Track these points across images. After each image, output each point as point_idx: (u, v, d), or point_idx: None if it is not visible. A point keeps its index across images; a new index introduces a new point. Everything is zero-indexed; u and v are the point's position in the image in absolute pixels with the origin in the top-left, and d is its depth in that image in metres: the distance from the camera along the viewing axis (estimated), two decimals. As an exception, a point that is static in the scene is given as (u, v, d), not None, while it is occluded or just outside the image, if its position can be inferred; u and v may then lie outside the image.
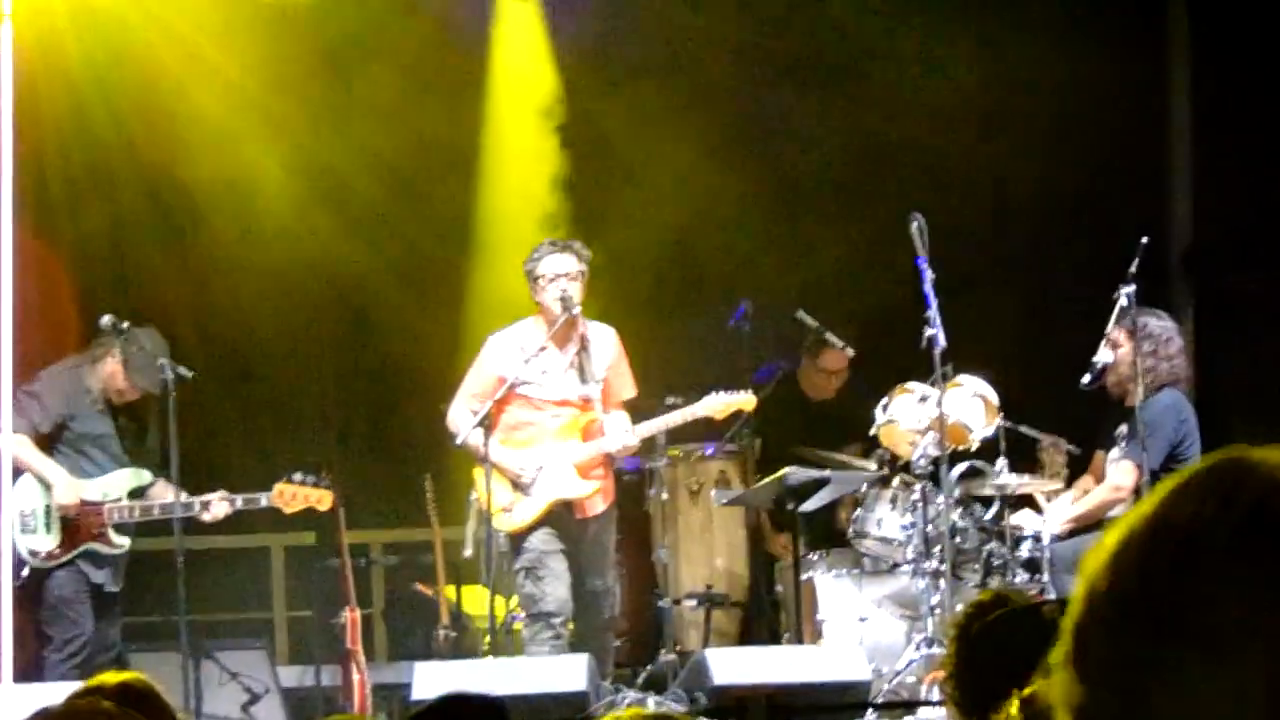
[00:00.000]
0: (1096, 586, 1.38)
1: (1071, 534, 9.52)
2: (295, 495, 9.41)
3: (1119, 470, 9.36)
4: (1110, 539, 1.40)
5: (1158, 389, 9.32)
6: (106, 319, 9.25)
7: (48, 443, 9.35)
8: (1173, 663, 1.33)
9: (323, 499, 9.46)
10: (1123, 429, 9.34)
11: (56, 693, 4.66)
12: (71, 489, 9.27)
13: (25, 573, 9.23)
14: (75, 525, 9.31)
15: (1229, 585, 1.33)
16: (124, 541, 9.41)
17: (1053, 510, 9.52)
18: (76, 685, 4.61)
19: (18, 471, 9.31)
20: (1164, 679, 1.33)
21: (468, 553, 9.83)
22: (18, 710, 4.73)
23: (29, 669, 9.19)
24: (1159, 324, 9.38)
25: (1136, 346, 9.19)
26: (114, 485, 9.41)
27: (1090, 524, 9.35)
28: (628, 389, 9.62)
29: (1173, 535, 1.36)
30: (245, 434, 11.76)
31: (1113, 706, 1.36)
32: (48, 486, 9.28)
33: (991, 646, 3.75)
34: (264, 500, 9.39)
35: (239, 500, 9.37)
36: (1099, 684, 1.37)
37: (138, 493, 9.47)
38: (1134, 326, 9.19)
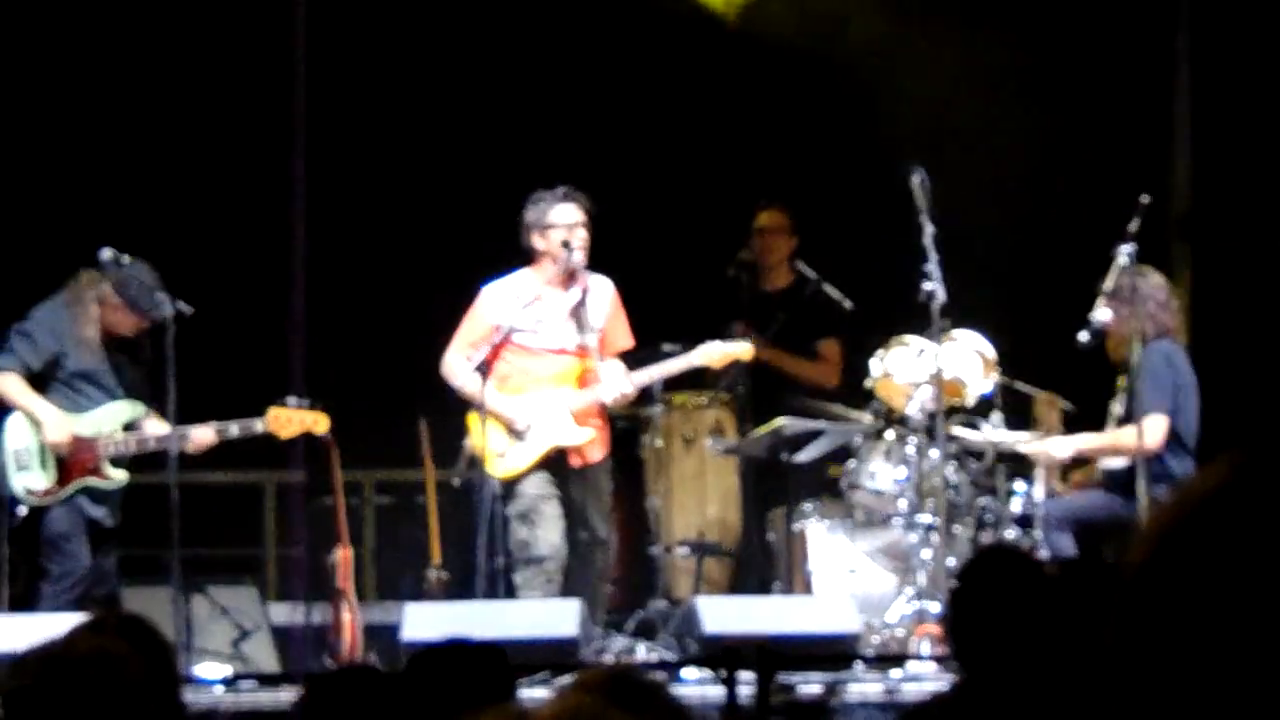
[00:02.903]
0: (1135, 553, 1.37)
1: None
2: (290, 419, 9.34)
3: (1151, 424, 9.21)
4: (1167, 504, 1.37)
5: (1150, 341, 9.28)
6: (107, 252, 9.18)
7: (41, 380, 9.30)
8: (1170, 649, 1.31)
9: (319, 421, 9.40)
10: (1122, 380, 9.32)
11: (52, 624, 4.66)
12: (62, 425, 9.22)
13: (22, 511, 9.18)
14: (69, 461, 9.25)
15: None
16: (120, 475, 9.36)
17: (1063, 440, 9.41)
18: (72, 617, 4.62)
19: (9, 410, 9.28)
20: (1161, 663, 1.32)
21: (456, 482, 9.79)
22: (13, 640, 4.74)
23: (20, 601, 9.17)
24: (1142, 282, 9.33)
25: (1123, 310, 9.18)
26: (107, 419, 9.35)
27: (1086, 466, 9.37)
28: (624, 339, 9.63)
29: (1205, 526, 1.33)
30: (236, 371, 11.73)
31: (1133, 677, 1.35)
32: (38, 424, 9.24)
33: (993, 599, 3.76)
34: (258, 426, 9.32)
35: (233, 427, 9.30)
36: (1121, 646, 1.35)
37: (131, 426, 9.42)
38: (1123, 294, 9.16)
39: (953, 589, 3.89)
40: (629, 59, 11.99)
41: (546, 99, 12.00)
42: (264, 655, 9.97)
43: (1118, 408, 9.38)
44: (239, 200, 11.87)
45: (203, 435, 9.22)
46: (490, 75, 12.06)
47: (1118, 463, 9.26)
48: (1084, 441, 9.34)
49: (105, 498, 9.33)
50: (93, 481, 9.29)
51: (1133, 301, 9.14)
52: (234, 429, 9.31)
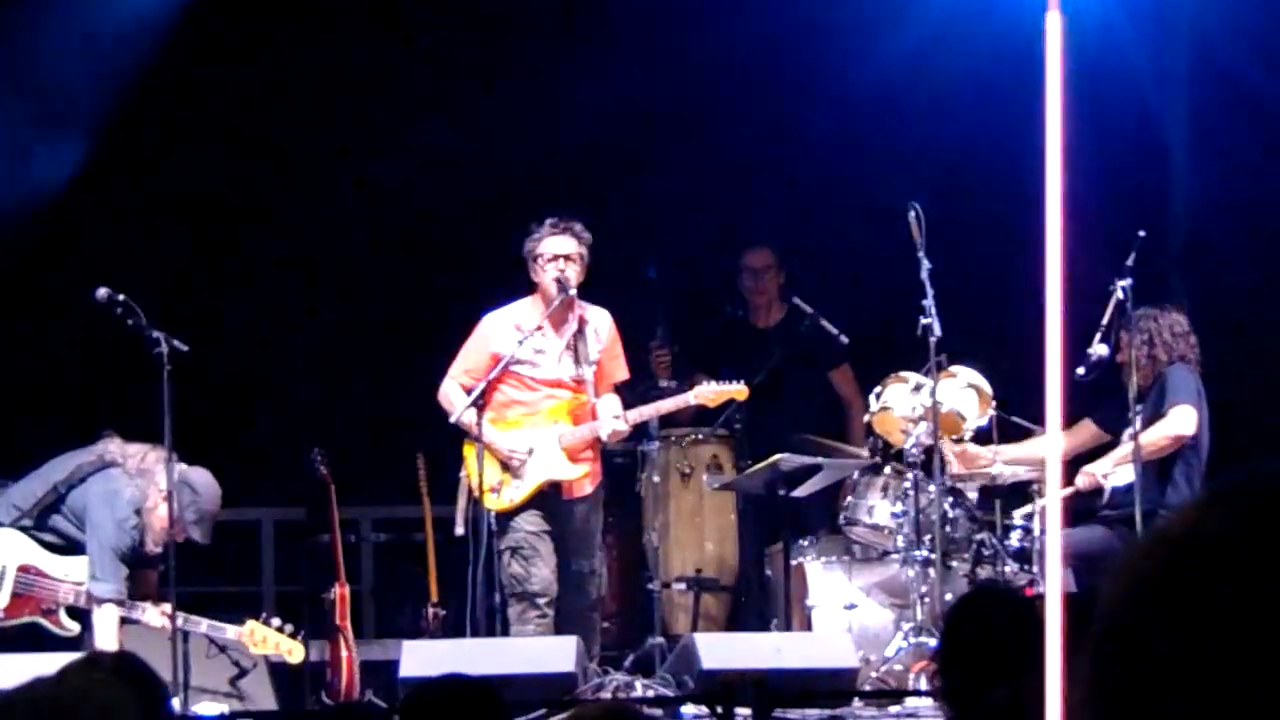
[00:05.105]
0: (1113, 590, 1.35)
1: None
2: (265, 639, 9.26)
3: (1180, 413, 9.24)
4: (1143, 544, 1.36)
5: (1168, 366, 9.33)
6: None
7: (50, 503, 9.11)
8: (1166, 683, 1.30)
9: (292, 650, 9.33)
10: (1138, 409, 9.26)
11: (50, 663, 4.66)
12: (35, 554, 9.04)
13: None
14: (26, 595, 9.01)
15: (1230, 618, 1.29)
16: (73, 627, 9.07)
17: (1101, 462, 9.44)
18: (65, 656, 4.63)
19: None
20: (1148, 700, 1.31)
21: (459, 531, 9.82)
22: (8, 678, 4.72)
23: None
24: (1155, 313, 9.39)
25: (1131, 342, 9.20)
26: (81, 569, 9.10)
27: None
28: (621, 371, 9.66)
29: (1190, 555, 1.32)
30: (234, 407, 11.73)
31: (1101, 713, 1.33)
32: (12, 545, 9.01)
33: (982, 639, 3.76)
34: (230, 632, 9.22)
35: (202, 625, 9.14)
36: (1095, 689, 1.34)
37: None
38: (1131, 325, 9.19)
39: (942, 630, 3.88)
40: (630, 89, 12.00)
41: (548, 130, 12.02)
42: (262, 693, 9.94)
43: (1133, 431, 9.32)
44: (235, 236, 11.89)
45: (159, 620, 8.97)
46: (486, 110, 12.07)
47: (1124, 480, 9.21)
48: (1121, 454, 9.31)
49: (49, 640, 9.01)
50: (42, 623, 9.03)
51: (1137, 334, 9.17)
52: (203, 626, 9.17)
